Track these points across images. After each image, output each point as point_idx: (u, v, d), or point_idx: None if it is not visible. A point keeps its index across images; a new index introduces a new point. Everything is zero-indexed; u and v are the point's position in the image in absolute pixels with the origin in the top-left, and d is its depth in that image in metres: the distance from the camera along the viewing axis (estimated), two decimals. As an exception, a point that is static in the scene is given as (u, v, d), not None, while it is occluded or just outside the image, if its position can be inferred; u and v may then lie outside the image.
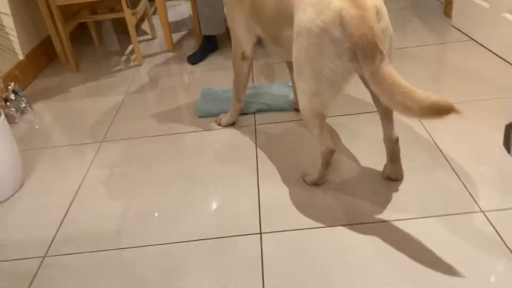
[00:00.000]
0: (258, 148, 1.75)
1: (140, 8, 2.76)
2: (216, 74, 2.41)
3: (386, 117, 1.39)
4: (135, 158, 1.77)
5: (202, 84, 2.30)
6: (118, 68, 2.63)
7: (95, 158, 1.80)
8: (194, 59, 2.57)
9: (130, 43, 2.97)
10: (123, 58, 2.77)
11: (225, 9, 1.72)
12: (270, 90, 2.10)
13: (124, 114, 2.11)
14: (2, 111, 1.56)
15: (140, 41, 3.00)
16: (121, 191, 1.60)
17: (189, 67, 2.54)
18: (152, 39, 3.02)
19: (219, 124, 1.92)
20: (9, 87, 2.17)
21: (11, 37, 2.43)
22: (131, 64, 2.66)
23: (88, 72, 2.63)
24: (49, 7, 2.58)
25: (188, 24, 3.22)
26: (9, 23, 2.44)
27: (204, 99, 2.11)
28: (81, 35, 3.19)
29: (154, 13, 3.41)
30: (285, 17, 1.35)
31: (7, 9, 2.43)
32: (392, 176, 1.47)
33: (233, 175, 1.61)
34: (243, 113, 1.96)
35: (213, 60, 2.59)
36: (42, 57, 2.74)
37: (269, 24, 1.50)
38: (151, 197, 1.55)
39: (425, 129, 1.71)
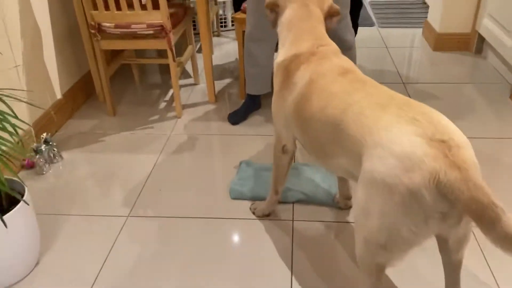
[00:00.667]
0: (294, 250, 1.58)
1: (186, 58, 2.65)
2: (258, 140, 2.26)
3: (454, 272, 1.20)
4: (161, 243, 1.63)
5: (241, 151, 2.16)
6: (156, 117, 2.53)
7: (120, 236, 1.68)
8: (236, 118, 2.43)
9: (170, 88, 2.87)
10: (163, 105, 2.67)
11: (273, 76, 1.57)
12: (313, 178, 1.93)
13: (155, 182, 1.98)
14: (26, 189, 1.45)
15: (181, 85, 2.89)
16: (144, 279, 1.47)
17: (229, 126, 2.41)
18: (195, 84, 2.91)
19: (253, 213, 1.77)
20: (42, 137, 2.08)
21: (50, 75, 2.36)
22: (170, 114, 2.55)
23: (125, 117, 2.53)
24: (93, 45, 2.51)
25: (233, 71, 3.10)
26: (51, 60, 2.37)
27: (241, 176, 1.96)
28: (122, 71, 3.11)
29: (199, 50, 3.30)
30: (340, 147, 1.18)
31: (51, 45, 2.37)
32: None
33: (263, 283, 1.45)
34: (281, 202, 1.81)
35: (254, 121, 2.45)
36: (80, 94, 2.67)
37: (313, 141, 1.32)
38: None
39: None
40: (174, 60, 2.34)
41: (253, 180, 1.93)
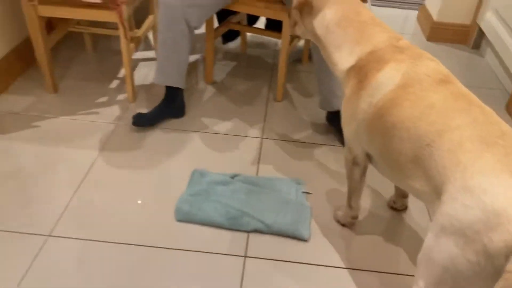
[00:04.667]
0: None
1: (144, 30, 2.25)
2: (222, 140, 1.95)
3: None
4: (84, 272, 1.35)
5: (200, 153, 1.85)
6: (104, 99, 2.16)
7: (35, 262, 1.38)
8: (142, 120, 1.94)
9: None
10: (115, 83, 2.29)
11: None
12: (277, 200, 1.64)
13: (89, 189, 1.67)
14: None
15: (140, 59, 2.51)
16: None
17: (191, 120, 2.07)
18: (155, 59, 2.53)
19: (336, 220, 1.61)
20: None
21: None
22: (121, 97, 2.19)
23: (68, 96, 2.16)
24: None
25: (202, 47, 2.72)
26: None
27: (192, 190, 1.66)
28: (71, 37, 2.67)
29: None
30: (421, 170, 1.06)
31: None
32: None
33: None
34: (234, 229, 1.54)
35: (222, 114, 2.12)
36: (17, 63, 2.26)
37: (390, 154, 1.16)
38: None
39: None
40: (126, 37, 1.96)
41: (205, 196, 1.64)
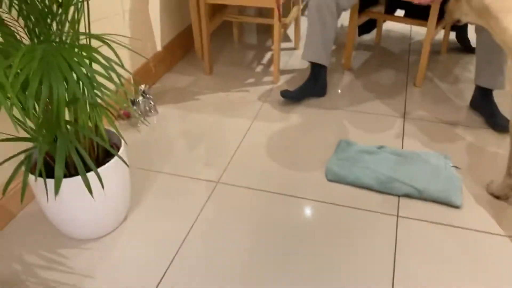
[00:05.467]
0: (397, 250, 1.39)
1: (291, 18, 2.45)
2: (362, 118, 2.04)
3: None
4: (249, 215, 1.53)
5: (341, 128, 1.96)
6: (252, 80, 2.39)
7: (208, 202, 1.60)
8: (289, 94, 2.14)
9: (269, 51, 2.71)
10: (260, 68, 2.52)
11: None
12: (424, 169, 1.68)
13: (246, 149, 1.87)
14: (123, 143, 1.40)
15: (281, 49, 2.72)
16: (230, 239, 1.37)
17: (329, 100, 2.20)
18: (294, 49, 2.72)
19: (490, 192, 1.60)
20: (140, 88, 2.05)
21: (153, 26, 2.31)
22: (266, 79, 2.40)
23: (221, 77, 2.43)
24: (197, 1, 2.41)
25: (337, 37, 2.85)
26: (155, 10, 2.31)
27: (339, 156, 1.78)
28: (221, 30, 3.00)
29: (303, 13, 3.09)
30: None
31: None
32: None
33: (358, 282, 1.28)
34: (386, 193, 1.61)
35: (356, 97, 2.22)
36: (179, 49, 2.60)
37: None
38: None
39: None
40: (279, 20, 2.16)
41: (353, 162, 1.74)
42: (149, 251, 1.42)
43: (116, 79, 1.10)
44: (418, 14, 2.28)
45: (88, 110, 1.21)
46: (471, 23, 1.69)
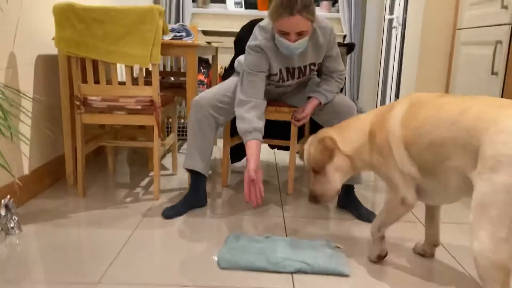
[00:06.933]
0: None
1: (169, 141, 2.58)
2: (242, 221, 2.08)
3: None
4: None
5: (226, 231, 1.96)
6: (130, 199, 2.33)
7: (84, 306, 1.36)
8: (171, 212, 2.14)
9: (147, 176, 2.73)
10: (138, 190, 2.49)
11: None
12: (310, 246, 1.75)
13: (130, 253, 1.72)
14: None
15: (160, 175, 2.75)
16: None
17: (212, 212, 2.23)
18: (173, 174, 2.79)
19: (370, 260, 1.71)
20: (2, 201, 1.83)
21: (21, 148, 2.19)
22: (146, 197, 2.36)
23: (96, 199, 2.31)
24: (72, 125, 2.41)
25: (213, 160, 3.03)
26: (27, 132, 2.23)
27: (230, 246, 1.75)
28: (95, 160, 2.97)
29: (179, 149, 3.25)
30: (454, 145, 1.29)
31: (28, 119, 2.25)
32: None
33: None
34: (277, 272, 1.59)
35: (237, 201, 2.30)
36: (48, 177, 2.46)
37: (427, 146, 1.38)
38: None
39: None
40: (159, 136, 2.27)
41: (243, 250, 1.71)
42: None
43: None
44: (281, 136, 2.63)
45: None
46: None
